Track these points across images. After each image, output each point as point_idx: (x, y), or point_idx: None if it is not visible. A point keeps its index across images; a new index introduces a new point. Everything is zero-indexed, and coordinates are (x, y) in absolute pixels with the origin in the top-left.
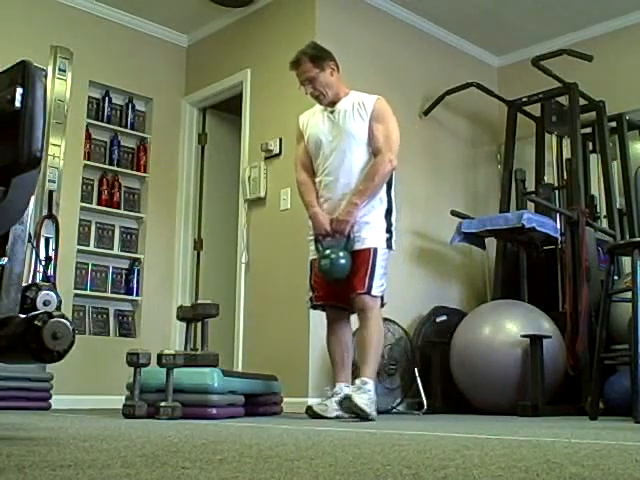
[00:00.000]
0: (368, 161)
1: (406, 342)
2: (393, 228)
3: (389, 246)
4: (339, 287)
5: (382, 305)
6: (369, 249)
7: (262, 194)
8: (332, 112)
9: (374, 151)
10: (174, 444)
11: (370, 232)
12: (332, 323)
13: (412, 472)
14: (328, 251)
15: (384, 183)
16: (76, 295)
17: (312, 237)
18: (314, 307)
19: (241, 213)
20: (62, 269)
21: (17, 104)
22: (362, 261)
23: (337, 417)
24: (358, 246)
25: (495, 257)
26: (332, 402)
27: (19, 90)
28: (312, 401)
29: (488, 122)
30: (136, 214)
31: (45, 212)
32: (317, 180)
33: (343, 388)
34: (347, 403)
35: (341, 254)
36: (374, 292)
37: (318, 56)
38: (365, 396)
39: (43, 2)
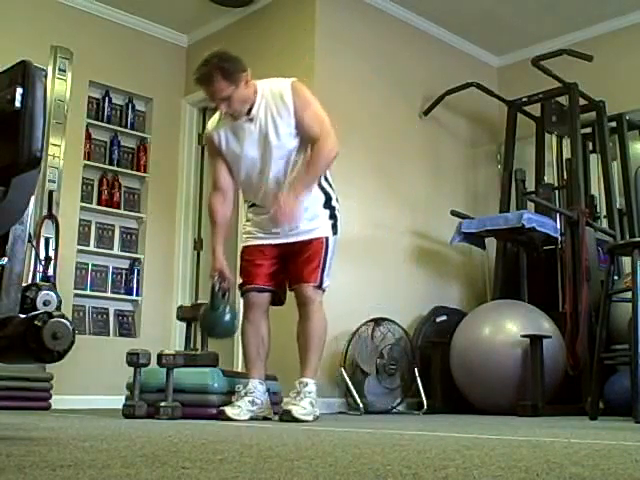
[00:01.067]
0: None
1: (406, 342)
2: (337, 212)
3: (335, 232)
4: (273, 269)
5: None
6: (320, 239)
7: None
8: (250, 120)
9: (312, 140)
10: (174, 444)
11: (316, 222)
12: (252, 310)
13: (412, 472)
14: (210, 304)
15: (327, 169)
16: (76, 295)
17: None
18: (244, 292)
19: (241, 213)
20: (62, 269)
21: (17, 104)
22: (314, 252)
23: (251, 419)
24: (307, 236)
25: (495, 257)
26: (245, 402)
27: (19, 90)
28: None
29: (488, 122)
30: (136, 214)
31: (45, 212)
32: (250, 205)
33: (257, 386)
34: (287, 418)
35: (226, 309)
36: (324, 286)
37: (232, 71)
38: (305, 402)
39: (43, 2)
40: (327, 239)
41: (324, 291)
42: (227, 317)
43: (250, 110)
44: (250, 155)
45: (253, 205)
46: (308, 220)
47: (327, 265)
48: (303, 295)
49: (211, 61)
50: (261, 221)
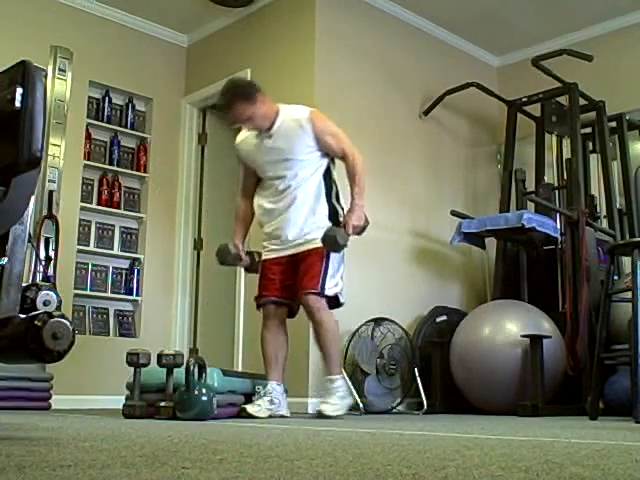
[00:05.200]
0: (317, 175)
1: (406, 342)
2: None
3: None
4: (286, 282)
5: (339, 305)
6: (320, 248)
7: None
8: (270, 137)
9: (340, 158)
10: (174, 444)
11: (318, 233)
12: (269, 320)
13: (412, 472)
14: (185, 384)
15: (364, 180)
16: (76, 295)
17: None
18: (259, 306)
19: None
20: (62, 269)
21: (17, 104)
22: (314, 260)
23: (270, 417)
24: (308, 247)
25: (495, 257)
26: (264, 401)
27: (19, 90)
28: (312, 401)
29: (488, 122)
30: (136, 214)
31: (45, 212)
32: (262, 205)
33: (275, 387)
34: (320, 417)
35: (202, 390)
36: (327, 292)
37: (248, 93)
38: (334, 398)
39: (43, 2)
40: None
41: (328, 298)
42: (204, 398)
43: (271, 127)
44: (266, 166)
45: (265, 216)
46: (311, 232)
47: (329, 273)
48: (304, 304)
49: (228, 88)
50: (271, 231)
